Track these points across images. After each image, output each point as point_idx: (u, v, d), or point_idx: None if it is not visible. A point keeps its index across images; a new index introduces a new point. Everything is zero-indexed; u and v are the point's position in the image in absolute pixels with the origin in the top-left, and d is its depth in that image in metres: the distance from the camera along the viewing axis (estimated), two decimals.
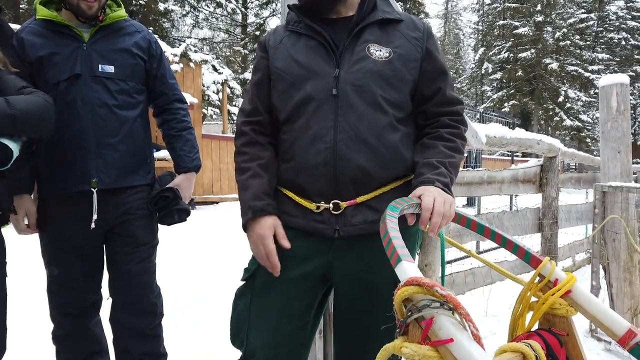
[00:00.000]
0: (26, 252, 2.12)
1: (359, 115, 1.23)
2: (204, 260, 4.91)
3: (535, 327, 1.21)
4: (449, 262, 3.62)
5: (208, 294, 3.66)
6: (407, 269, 0.88)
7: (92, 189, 1.73)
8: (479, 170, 3.31)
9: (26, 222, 1.78)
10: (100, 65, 1.75)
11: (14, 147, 1.46)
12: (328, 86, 1.24)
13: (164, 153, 6.81)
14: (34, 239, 1.84)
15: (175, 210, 1.85)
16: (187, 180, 1.96)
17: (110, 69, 1.77)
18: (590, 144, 26.21)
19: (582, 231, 5.37)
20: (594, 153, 23.29)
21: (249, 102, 1.40)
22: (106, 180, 1.75)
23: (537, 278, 1.23)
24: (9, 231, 1.64)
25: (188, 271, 4.40)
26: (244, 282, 1.34)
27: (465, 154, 2.80)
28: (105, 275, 1.90)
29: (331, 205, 1.23)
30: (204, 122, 12.14)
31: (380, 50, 1.27)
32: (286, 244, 1.24)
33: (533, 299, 1.22)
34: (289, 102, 1.29)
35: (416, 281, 0.84)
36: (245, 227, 1.28)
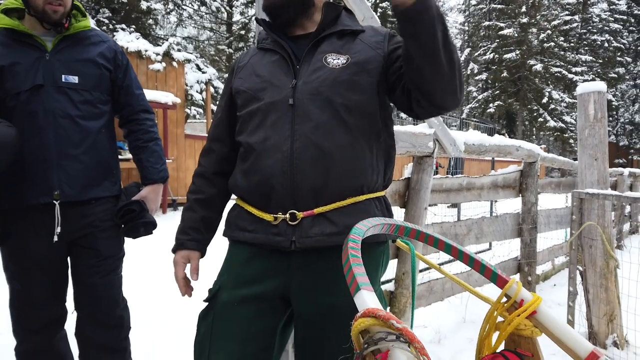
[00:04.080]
0: None
1: (315, 124, 1.21)
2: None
3: (502, 347, 1.19)
4: (427, 269, 3.62)
5: (177, 306, 3.55)
6: (366, 299, 0.86)
7: (55, 201, 1.68)
8: (458, 177, 3.31)
9: None
10: (63, 76, 1.70)
11: None
12: (285, 96, 1.24)
13: None
14: None
15: (141, 223, 1.81)
16: (154, 192, 1.92)
17: (74, 79, 1.72)
18: (573, 144, 26.58)
19: (561, 235, 5.41)
20: (577, 154, 23.60)
21: (213, 126, 1.45)
22: (69, 192, 1.70)
23: (504, 298, 1.21)
24: None
25: (158, 281, 4.27)
26: (207, 303, 1.31)
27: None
28: (70, 289, 1.85)
29: (288, 215, 1.21)
30: (187, 122, 12.03)
31: (338, 59, 1.27)
32: (195, 277, 1.38)
33: (500, 319, 1.21)
34: (247, 115, 1.30)
35: (372, 313, 0.82)
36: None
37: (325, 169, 1.20)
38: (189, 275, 1.39)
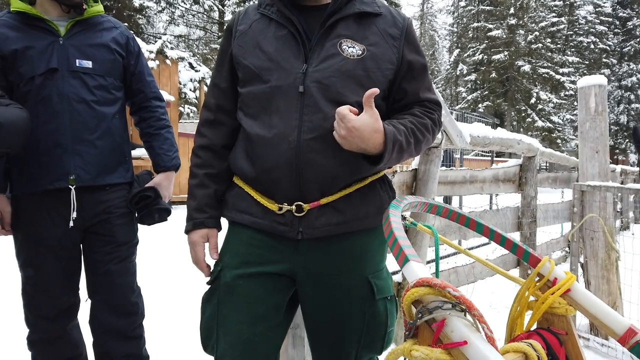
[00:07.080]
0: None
1: (325, 116, 1.14)
2: (184, 260, 4.79)
3: (534, 326, 1.19)
4: (430, 262, 3.62)
5: (188, 295, 3.58)
6: (416, 269, 0.85)
7: (70, 186, 1.65)
8: (462, 170, 3.32)
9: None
10: (77, 60, 1.68)
11: None
12: (294, 82, 1.16)
13: (140, 152, 6.62)
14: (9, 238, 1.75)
15: (155, 209, 1.79)
16: (167, 179, 1.90)
17: (88, 64, 1.70)
18: (560, 144, 26.86)
19: (557, 229, 5.46)
20: (565, 154, 23.86)
21: (211, 95, 1.33)
22: (85, 177, 1.67)
23: (536, 277, 1.21)
24: None
25: (167, 272, 4.32)
26: (210, 285, 1.28)
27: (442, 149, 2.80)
28: (83, 277, 1.82)
29: (294, 207, 1.17)
30: (180, 121, 11.93)
31: (354, 47, 1.18)
32: (215, 255, 1.30)
33: (531, 298, 1.21)
34: (252, 95, 1.22)
35: (427, 282, 0.81)
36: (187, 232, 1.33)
37: (333, 161, 1.16)
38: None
